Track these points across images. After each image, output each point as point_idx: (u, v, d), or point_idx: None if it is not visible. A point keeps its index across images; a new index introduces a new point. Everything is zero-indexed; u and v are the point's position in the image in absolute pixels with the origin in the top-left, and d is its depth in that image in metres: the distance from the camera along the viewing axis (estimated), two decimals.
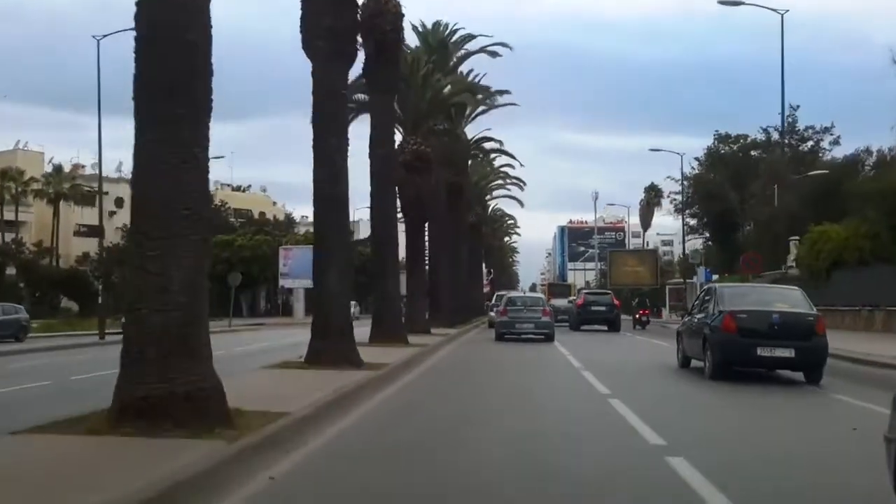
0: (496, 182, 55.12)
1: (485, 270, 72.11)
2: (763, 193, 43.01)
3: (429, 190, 26.63)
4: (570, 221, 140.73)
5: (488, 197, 58.42)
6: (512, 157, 45.21)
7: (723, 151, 55.71)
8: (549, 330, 24.54)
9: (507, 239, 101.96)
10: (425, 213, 26.96)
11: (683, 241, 56.01)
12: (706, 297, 14.46)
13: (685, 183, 55.47)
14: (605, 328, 31.64)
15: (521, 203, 59.17)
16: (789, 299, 13.62)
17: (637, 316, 37.03)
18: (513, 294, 31.26)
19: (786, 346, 12.49)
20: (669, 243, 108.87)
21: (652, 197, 77.35)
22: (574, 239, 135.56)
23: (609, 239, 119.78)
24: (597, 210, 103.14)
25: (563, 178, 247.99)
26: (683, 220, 55.52)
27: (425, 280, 27.84)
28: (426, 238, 29.78)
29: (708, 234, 58.52)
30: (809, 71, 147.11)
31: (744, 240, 50.02)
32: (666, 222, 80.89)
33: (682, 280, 53.94)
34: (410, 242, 26.69)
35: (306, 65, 12.98)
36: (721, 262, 52.99)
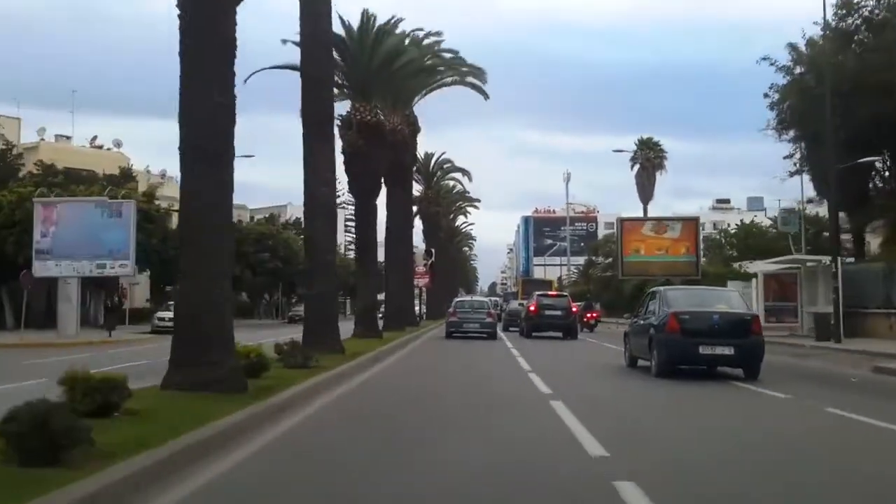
0: (434, 78, 35.35)
1: (420, 251, 53.13)
2: None
3: None
4: (536, 210, 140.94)
5: (423, 94, 35.83)
6: None
7: (865, 11, 33.13)
8: (492, 329, 31.20)
9: (462, 220, 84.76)
10: None
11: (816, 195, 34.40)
12: (651, 299, 16.51)
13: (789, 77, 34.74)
14: (560, 335, 31.76)
15: (483, 94, 35.59)
16: (728, 300, 15.75)
17: (584, 319, 37.48)
18: (461, 298, 39.80)
19: (725, 345, 14.67)
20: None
21: (650, 157, 59.87)
22: (541, 231, 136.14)
23: (580, 230, 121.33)
24: (568, 194, 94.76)
25: (527, 178, 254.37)
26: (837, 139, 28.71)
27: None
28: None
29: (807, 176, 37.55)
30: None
31: None
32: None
33: (819, 260, 31.83)
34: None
35: None
36: (854, 223, 34.47)
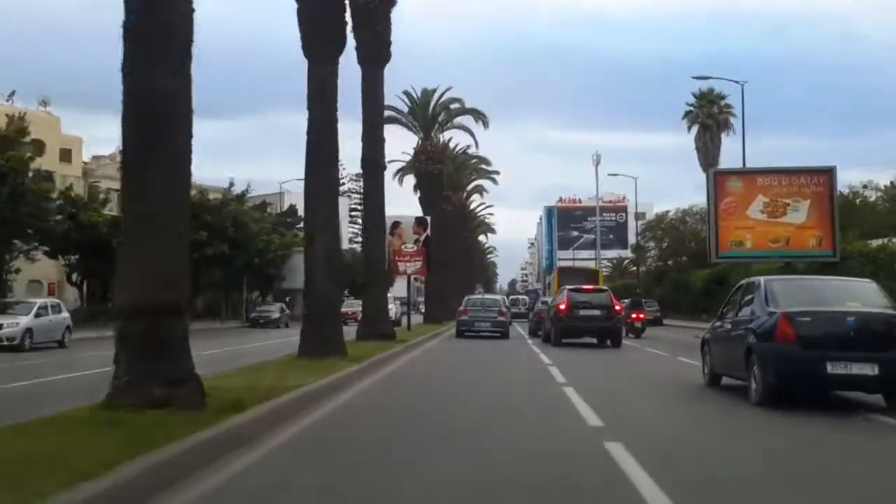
0: None
1: (409, 220, 33.53)
2: None
3: None
4: (560, 200, 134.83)
5: None
6: None
7: None
8: (504, 328, 30.96)
9: (479, 201, 72.74)
10: None
11: None
12: (745, 294, 12.23)
13: None
14: (596, 341, 26.48)
15: None
16: (862, 295, 11.41)
17: (629, 321, 31.53)
18: (473, 296, 38.38)
19: (866, 360, 10.36)
20: None
21: (713, 113, 52.24)
22: (566, 223, 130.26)
23: (609, 221, 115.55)
24: (598, 178, 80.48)
25: (546, 176, 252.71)
26: None
27: None
28: None
29: None
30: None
31: None
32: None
33: None
34: None
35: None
36: None
